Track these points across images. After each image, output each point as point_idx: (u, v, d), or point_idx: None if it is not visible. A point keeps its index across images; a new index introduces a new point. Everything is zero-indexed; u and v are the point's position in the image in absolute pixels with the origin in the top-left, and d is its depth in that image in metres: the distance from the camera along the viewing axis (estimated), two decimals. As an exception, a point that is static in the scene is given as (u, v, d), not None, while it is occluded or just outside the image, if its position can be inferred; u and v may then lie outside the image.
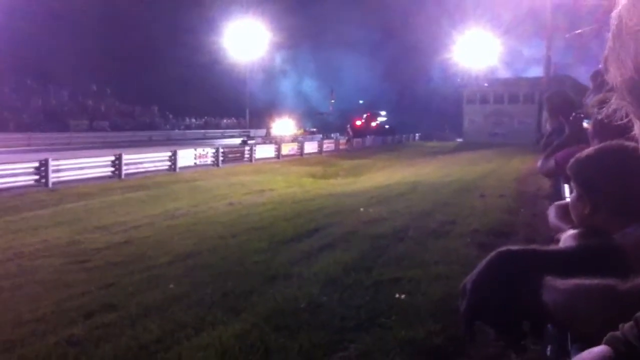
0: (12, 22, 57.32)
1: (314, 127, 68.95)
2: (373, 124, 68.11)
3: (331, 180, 25.60)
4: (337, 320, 5.29)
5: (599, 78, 5.18)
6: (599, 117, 0.94)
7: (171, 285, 7.18)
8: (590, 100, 4.53)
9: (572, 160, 1.46)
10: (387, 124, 73.03)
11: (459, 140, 62.75)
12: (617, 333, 0.70)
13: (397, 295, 8.12)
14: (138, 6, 76.28)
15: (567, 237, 1.35)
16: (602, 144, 1.42)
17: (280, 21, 66.15)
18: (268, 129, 59.10)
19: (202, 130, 68.06)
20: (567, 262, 1.00)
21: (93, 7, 69.31)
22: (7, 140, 41.09)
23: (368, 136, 55.89)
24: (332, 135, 57.04)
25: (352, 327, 5.14)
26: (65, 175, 20.54)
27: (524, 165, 23.05)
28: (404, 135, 68.00)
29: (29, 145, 40.34)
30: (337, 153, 43.87)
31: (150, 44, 78.91)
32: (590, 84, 5.67)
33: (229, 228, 11.92)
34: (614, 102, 0.66)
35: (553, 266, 0.97)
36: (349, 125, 60.58)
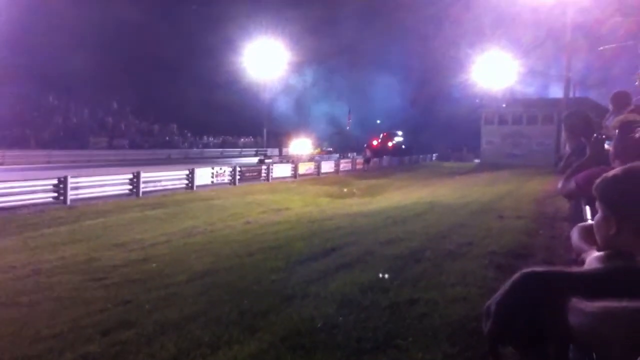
0: (34, 39, 58.28)
1: (331, 147, 69.06)
2: (390, 144, 68.04)
3: (347, 200, 25.56)
4: (353, 341, 5.26)
5: (619, 100, 5.15)
6: (628, 141, 0.93)
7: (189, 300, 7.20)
8: (611, 121, 4.49)
9: (598, 180, 1.44)
10: (403, 144, 72.92)
11: (477, 161, 62.45)
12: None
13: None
14: (159, 25, 77.22)
15: (592, 259, 1.33)
16: (629, 165, 1.41)
17: (299, 41, 66.57)
18: (280, 148, 59.36)
19: (220, 149, 68.41)
20: (593, 284, 0.99)
21: (114, 26, 70.30)
22: (27, 157, 41.58)
23: (384, 156, 55.82)
24: (349, 154, 57.07)
25: (368, 349, 5.10)
26: (84, 193, 20.71)
27: (543, 186, 22.90)
28: (420, 156, 67.87)
29: (48, 162, 40.71)
30: (353, 173, 43.85)
31: (170, 62, 79.82)
32: (610, 106, 5.64)
33: (245, 247, 11.93)
34: None
35: (579, 288, 0.96)
36: (365, 146, 60.58)
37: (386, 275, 8.08)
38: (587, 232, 1.73)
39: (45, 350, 5.98)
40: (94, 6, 69.97)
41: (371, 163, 49.07)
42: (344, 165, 45.25)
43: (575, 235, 1.90)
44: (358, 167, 47.10)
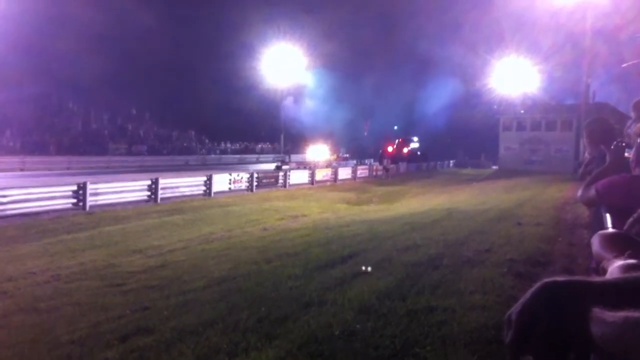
0: (54, 45, 58.94)
1: (347, 153, 69.07)
2: (405, 150, 67.83)
3: (365, 206, 25.56)
4: (371, 349, 5.24)
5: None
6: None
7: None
8: (632, 128, 4.45)
9: None
10: (419, 150, 72.71)
11: (495, 167, 62.23)
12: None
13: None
14: (177, 32, 77.86)
15: (615, 268, 1.32)
16: None
17: (317, 46, 66.78)
18: (289, 154, 59.43)
19: (238, 155, 68.74)
20: (615, 294, 0.98)
21: (134, 32, 70.95)
22: (48, 162, 42.06)
23: (400, 162, 55.71)
24: (366, 161, 57.06)
25: (386, 357, 5.07)
26: (103, 199, 20.90)
27: (561, 193, 22.75)
28: (438, 162, 67.70)
29: (68, 168, 41.17)
30: (371, 179, 43.86)
31: (189, 69, 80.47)
32: (631, 112, 5.59)
33: (263, 253, 11.94)
34: None
35: (600, 298, 0.96)
36: (381, 152, 60.55)
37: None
38: (609, 240, 1.72)
39: (64, 356, 6.02)
40: (114, 12, 70.76)
41: (390, 171, 48.96)
42: (361, 171, 45.26)
43: (596, 243, 1.89)
44: (376, 174, 47.07)
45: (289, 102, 68.01)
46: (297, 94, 73.58)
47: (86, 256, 12.98)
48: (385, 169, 48.44)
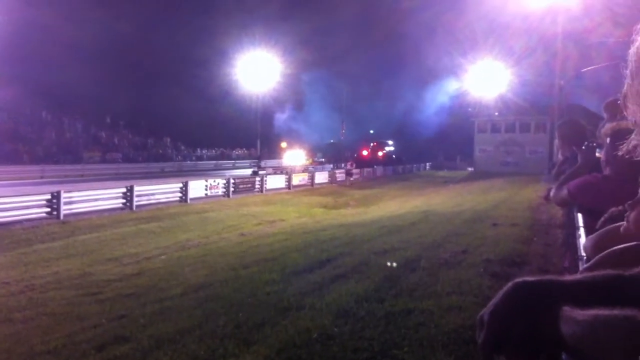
0: (27, 54, 58.27)
1: (324, 157, 69.13)
2: (380, 153, 68.08)
3: (342, 210, 25.59)
4: (349, 353, 5.24)
5: (613, 108, 5.17)
6: (618, 152, 0.93)
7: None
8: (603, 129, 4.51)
9: None
10: (394, 154, 73.03)
11: (470, 169, 62.68)
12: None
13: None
14: (152, 39, 77.39)
15: (583, 268, 1.33)
16: None
17: (292, 53, 66.78)
18: (259, 159, 58.99)
19: (214, 161, 68.41)
20: (585, 292, 0.99)
21: (107, 40, 70.46)
22: (21, 172, 41.38)
23: (376, 166, 55.83)
24: (343, 165, 57.16)
25: (364, 359, 5.08)
26: (77, 207, 20.64)
27: (536, 194, 22.96)
28: (414, 165, 68.05)
29: (42, 177, 40.58)
30: (348, 183, 43.88)
31: (164, 76, 79.99)
32: (603, 113, 5.66)
33: (240, 259, 11.91)
34: (634, 137, 0.66)
35: (571, 296, 0.96)
36: (356, 155, 60.59)
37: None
38: (601, 241, 1.74)
39: (39, 366, 5.95)
40: (86, 20, 70.17)
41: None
42: (339, 175, 45.25)
43: (588, 245, 1.91)
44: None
45: (264, 108, 67.70)
46: (273, 100, 73.46)
47: (61, 265, 12.83)
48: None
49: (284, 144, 68.15)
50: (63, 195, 19.81)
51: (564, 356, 1.05)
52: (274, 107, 77.55)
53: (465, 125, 66.95)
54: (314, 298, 7.23)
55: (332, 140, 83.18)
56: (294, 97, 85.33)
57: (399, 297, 6.95)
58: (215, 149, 77.81)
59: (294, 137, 70.43)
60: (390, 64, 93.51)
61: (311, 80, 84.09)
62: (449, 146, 78.07)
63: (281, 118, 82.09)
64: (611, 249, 1.28)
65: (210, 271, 10.82)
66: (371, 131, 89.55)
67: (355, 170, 49.32)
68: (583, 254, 2.20)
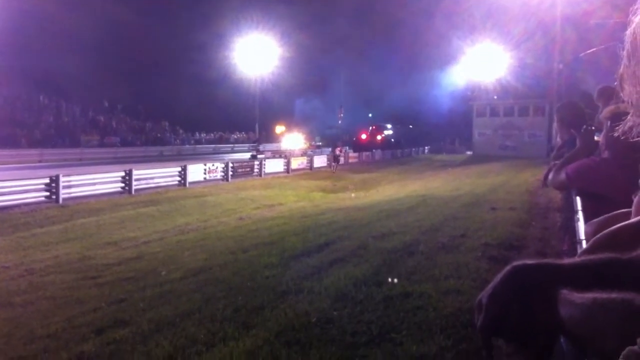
0: (25, 39, 57.98)
1: (321, 141, 69.01)
2: (379, 137, 67.93)
3: (340, 194, 25.59)
4: (348, 336, 5.26)
5: (607, 95, 5.15)
6: (615, 133, 0.92)
7: (163, 273, 7.21)
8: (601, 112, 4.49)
9: None
10: (393, 138, 72.87)
11: (469, 153, 62.64)
12: (635, 347, 0.69)
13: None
14: (149, 23, 76.98)
15: (581, 250, 1.33)
16: None
17: (290, 36, 66.48)
18: (259, 142, 58.75)
19: (212, 145, 68.34)
20: (584, 275, 0.99)
21: (104, 25, 70.08)
22: (19, 156, 41.38)
23: (375, 150, 55.73)
24: (330, 150, 57.04)
25: (363, 343, 5.10)
26: (76, 191, 20.63)
27: (535, 177, 22.96)
28: (413, 149, 67.97)
29: (40, 161, 40.55)
30: (346, 167, 43.85)
31: (162, 60, 79.73)
32: (597, 101, 5.64)
33: (239, 243, 11.92)
34: (630, 119, 0.66)
35: (569, 279, 0.96)
36: (355, 139, 60.33)
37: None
38: (602, 228, 1.74)
39: (40, 350, 5.97)
40: (84, 6, 69.73)
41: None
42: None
43: (589, 230, 1.91)
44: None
45: (262, 91, 67.46)
46: (272, 84, 73.25)
47: (60, 249, 12.85)
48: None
49: (279, 128, 67.94)
50: (62, 179, 19.77)
51: (562, 339, 1.06)
52: (272, 91, 77.42)
53: (464, 109, 66.88)
54: (313, 282, 7.25)
55: (330, 125, 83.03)
56: (292, 80, 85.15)
57: (398, 281, 6.96)
58: (214, 132, 77.72)
59: (293, 121, 70.34)
60: (389, 48, 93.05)
61: (309, 64, 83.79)
62: (447, 130, 78.02)
63: (279, 102, 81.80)
64: (607, 229, 1.28)
65: (209, 255, 10.83)
66: (370, 115, 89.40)
67: (352, 154, 49.14)
68: (582, 237, 2.20)
